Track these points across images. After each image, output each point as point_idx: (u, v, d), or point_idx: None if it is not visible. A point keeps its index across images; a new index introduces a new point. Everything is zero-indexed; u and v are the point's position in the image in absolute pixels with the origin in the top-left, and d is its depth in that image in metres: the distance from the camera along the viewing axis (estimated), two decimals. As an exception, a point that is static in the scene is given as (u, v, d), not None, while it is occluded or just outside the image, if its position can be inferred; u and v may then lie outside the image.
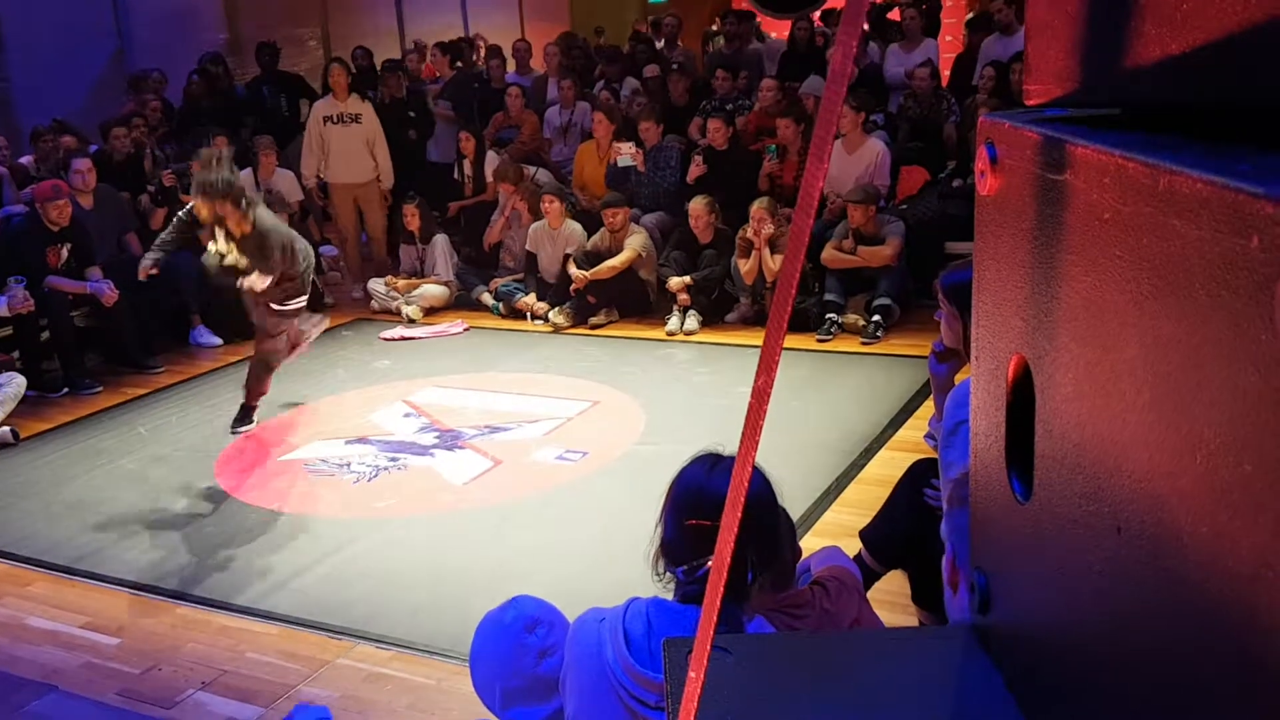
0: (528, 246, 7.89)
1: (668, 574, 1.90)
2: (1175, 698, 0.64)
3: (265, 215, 5.37)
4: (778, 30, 12.47)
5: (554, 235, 7.73)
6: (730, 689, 0.93)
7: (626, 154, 8.17)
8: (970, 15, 10.46)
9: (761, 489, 1.89)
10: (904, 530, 3.46)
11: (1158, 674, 0.66)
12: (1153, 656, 0.67)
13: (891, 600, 3.56)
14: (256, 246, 5.22)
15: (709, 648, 0.78)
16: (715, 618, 0.77)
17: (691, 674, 0.80)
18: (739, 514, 0.75)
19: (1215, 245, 0.55)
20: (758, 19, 10.99)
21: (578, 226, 7.78)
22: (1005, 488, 0.87)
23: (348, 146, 8.55)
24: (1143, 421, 0.64)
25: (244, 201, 5.19)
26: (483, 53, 11.18)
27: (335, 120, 8.57)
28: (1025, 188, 0.80)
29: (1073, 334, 0.73)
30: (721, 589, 0.77)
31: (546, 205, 7.61)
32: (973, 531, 0.96)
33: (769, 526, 1.89)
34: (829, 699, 0.93)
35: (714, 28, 12.43)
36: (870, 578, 3.52)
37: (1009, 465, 0.87)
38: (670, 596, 1.92)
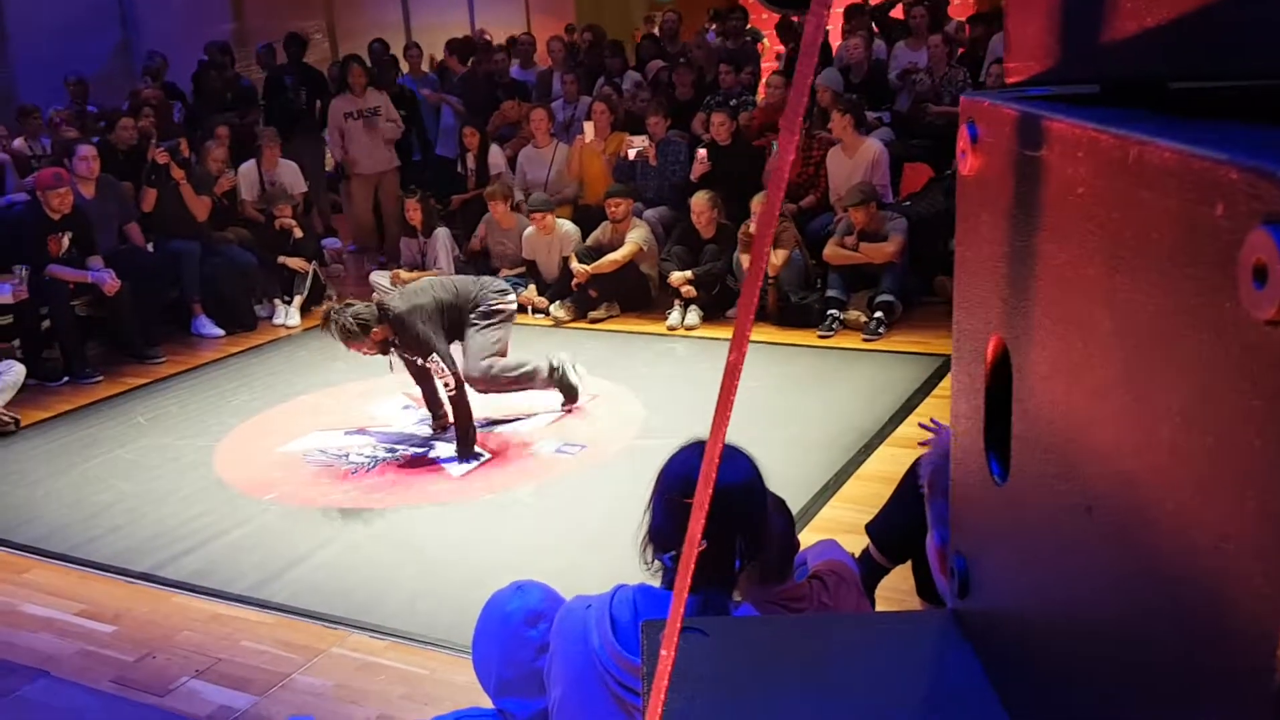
0: (524, 254, 7.89)
1: (656, 561, 1.89)
2: (1148, 677, 0.63)
3: (397, 303, 5.10)
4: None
5: (549, 241, 7.72)
6: (705, 669, 0.93)
7: (639, 146, 8.15)
8: (973, 12, 10.40)
9: (749, 476, 1.88)
10: (907, 524, 3.45)
11: (1130, 655, 0.65)
12: (1125, 638, 0.66)
13: (899, 596, 3.55)
14: (413, 340, 5.06)
15: (679, 625, 0.77)
16: (686, 594, 0.76)
17: (664, 652, 0.79)
18: (710, 490, 0.75)
19: (1182, 215, 0.54)
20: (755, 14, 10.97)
21: (572, 227, 7.76)
22: (984, 470, 0.87)
23: (368, 139, 9.08)
24: (1113, 398, 0.63)
25: (380, 317, 5.01)
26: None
27: (355, 116, 9.04)
28: (1004, 166, 0.79)
29: (1048, 312, 0.72)
30: (693, 565, 0.76)
31: (538, 220, 7.61)
32: (952, 515, 0.96)
33: (756, 514, 1.87)
34: (803, 680, 0.92)
35: (708, 25, 12.35)
36: (878, 573, 3.50)
37: (988, 447, 0.86)
38: (658, 584, 1.91)
